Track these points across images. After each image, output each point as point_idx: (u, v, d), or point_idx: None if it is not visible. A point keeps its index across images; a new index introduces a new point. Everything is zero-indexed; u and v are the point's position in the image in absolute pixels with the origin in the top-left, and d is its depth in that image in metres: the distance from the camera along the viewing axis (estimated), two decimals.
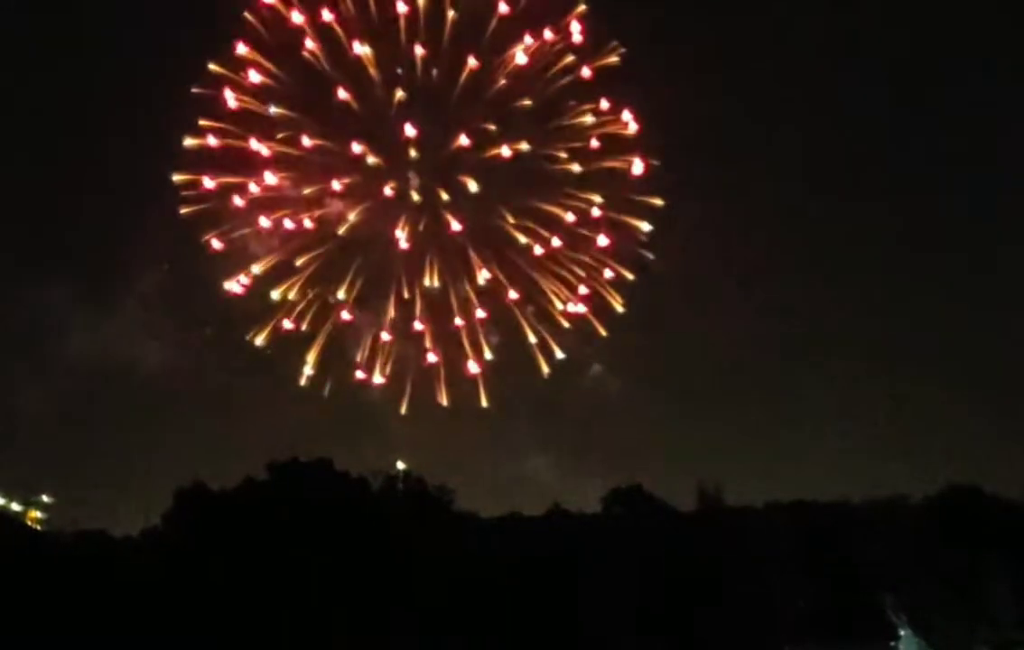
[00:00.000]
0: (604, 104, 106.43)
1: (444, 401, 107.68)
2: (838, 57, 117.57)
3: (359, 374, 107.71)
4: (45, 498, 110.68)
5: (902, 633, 73.92)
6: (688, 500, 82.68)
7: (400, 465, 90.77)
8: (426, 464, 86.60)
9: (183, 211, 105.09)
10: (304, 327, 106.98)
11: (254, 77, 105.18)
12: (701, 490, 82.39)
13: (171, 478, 78.47)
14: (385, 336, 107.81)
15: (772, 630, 70.68)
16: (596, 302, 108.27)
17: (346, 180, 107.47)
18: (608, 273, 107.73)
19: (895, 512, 79.77)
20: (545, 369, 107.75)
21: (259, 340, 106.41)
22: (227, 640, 65.25)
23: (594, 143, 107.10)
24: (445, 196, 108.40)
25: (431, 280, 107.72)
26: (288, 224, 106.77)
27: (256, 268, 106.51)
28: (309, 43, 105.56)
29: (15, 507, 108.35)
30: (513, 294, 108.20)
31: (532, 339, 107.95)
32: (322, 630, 67.25)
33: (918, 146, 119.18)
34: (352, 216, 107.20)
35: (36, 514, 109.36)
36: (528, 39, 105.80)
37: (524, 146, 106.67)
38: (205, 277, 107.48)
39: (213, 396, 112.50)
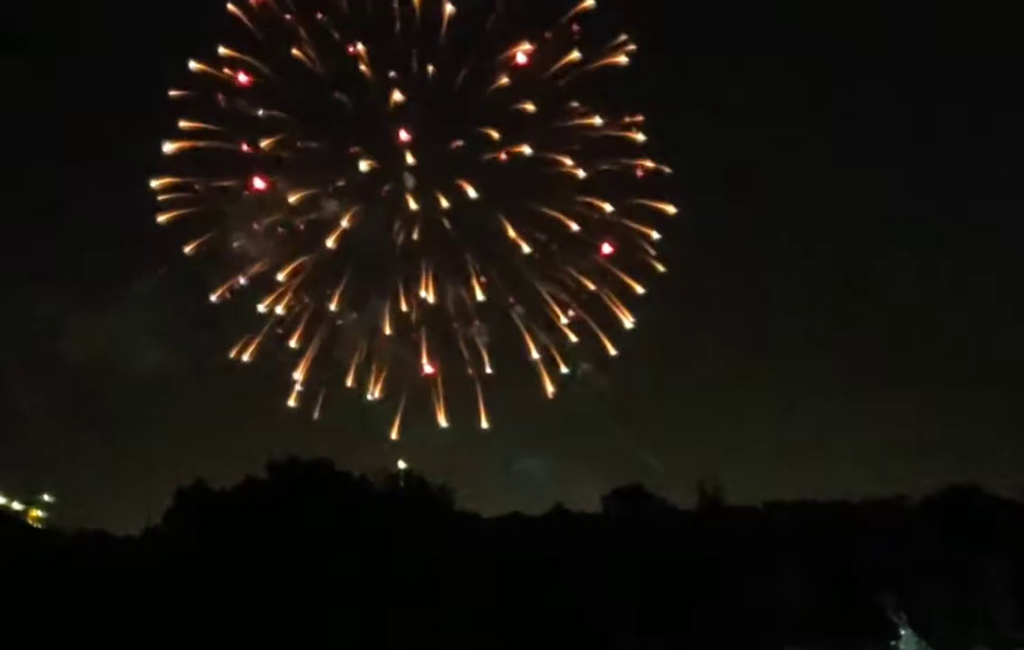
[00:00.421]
0: (610, 106, 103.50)
1: (443, 421, 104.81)
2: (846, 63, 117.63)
3: (351, 384, 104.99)
4: (46, 497, 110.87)
5: (902, 633, 73.85)
6: (688, 500, 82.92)
7: (401, 464, 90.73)
8: (425, 464, 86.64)
9: (160, 219, 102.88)
10: (294, 343, 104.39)
11: (243, 78, 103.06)
12: (701, 490, 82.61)
13: (171, 478, 78.70)
14: (381, 341, 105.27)
15: (772, 630, 70.63)
16: (603, 316, 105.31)
17: (339, 184, 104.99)
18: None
19: (895, 512, 79.82)
20: (550, 388, 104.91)
21: (246, 356, 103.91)
22: (227, 640, 65.23)
23: (600, 147, 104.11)
24: (444, 203, 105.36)
25: (427, 290, 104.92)
26: (279, 230, 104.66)
27: (243, 279, 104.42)
28: (301, 43, 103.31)
29: (16, 506, 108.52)
30: (514, 304, 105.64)
31: (535, 355, 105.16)
32: (323, 630, 67.24)
33: (921, 147, 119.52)
34: (345, 222, 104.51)
35: (37, 513, 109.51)
36: (527, 44, 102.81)
37: (526, 150, 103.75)
38: (200, 281, 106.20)
39: (213, 397, 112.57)
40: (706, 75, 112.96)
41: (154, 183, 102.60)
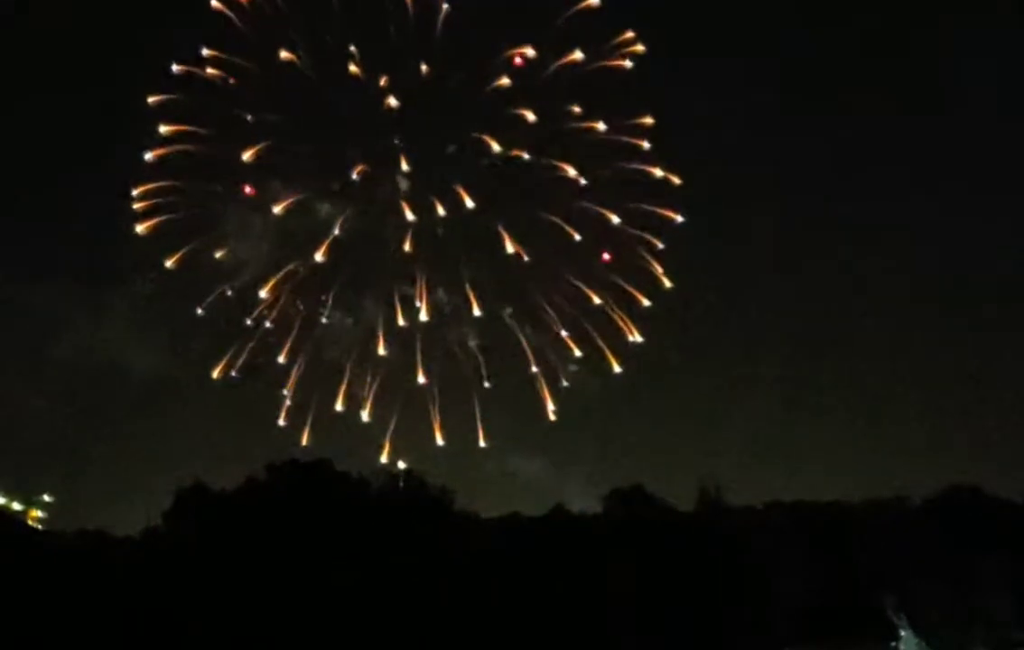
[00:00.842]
0: (614, 110, 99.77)
1: (439, 440, 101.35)
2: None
3: (340, 407, 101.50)
4: (46, 498, 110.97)
5: (902, 633, 73.83)
6: (688, 500, 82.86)
7: (401, 465, 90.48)
8: (423, 465, 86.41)
9: (139, 229, 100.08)
10: (282, 358, 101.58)
11: (231, 81, 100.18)
12: (701, 490, 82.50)
13: (171, 478, 78.71)
14: (374, 359, 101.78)
15: (772, 630, 70.65)
16: (608, 331, 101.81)
17: (332, 189, 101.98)
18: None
19: (895, 512, 79.81)
20: (551, 407, 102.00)
21: (234, 371, 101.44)
22: (227, 640, 65.26)
23: (603, 152, 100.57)
24: (440, 210, 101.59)
25: (421, 301, 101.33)
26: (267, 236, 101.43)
27: (229, 291, 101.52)
28: (291, 44, 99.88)
29: (16, 507, 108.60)
30: (512, 314, 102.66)
31: (534, 368, 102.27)
32: (323, 630, 67.23)
33: (924, 149, 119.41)
34: (337, 230, 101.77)
35: (37, 514, 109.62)
36: (528, 47, 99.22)
37: (524, 155, 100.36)
38: (191, 288, 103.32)
39: (212, 397, 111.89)
40: (710, 78, 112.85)
41: (134, 192, 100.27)
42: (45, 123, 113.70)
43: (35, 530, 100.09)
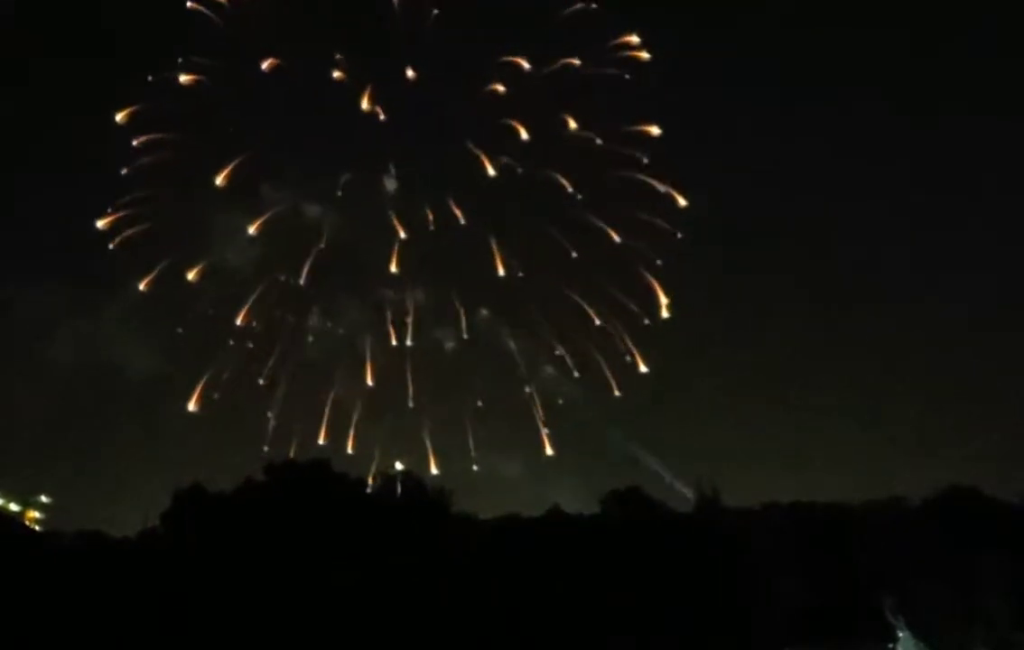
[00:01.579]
0: (614, 118, 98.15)
1: (434, 468, 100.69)
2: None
3: (323, 441, 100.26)
4: (43, 498, 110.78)
5: (900, 635, 73.74)
6: (686, 501, 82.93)
7: (399, 466, 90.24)
8: (422, 467, 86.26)
9: (111, 245, 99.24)
10: (262, 380, 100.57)
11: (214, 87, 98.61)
12: (699, 491, 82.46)
13: (169, 479, 78.53)
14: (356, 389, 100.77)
15: (772, 630, 70.52)
16: (609, 352, 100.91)
17: (320, 198, 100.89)
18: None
19: (895, 512, 79.72)
20: (546, 432, 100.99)
21: (216, 394, 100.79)
22: (226, 640, 65.08)
23: (602, 164, 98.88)
24: (431, 221, 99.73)
25: (409, 321, 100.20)
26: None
27: (211, 310, 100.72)
28: (278, 51, 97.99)
29: (14, 507, 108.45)
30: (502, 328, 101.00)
31: (527, 387, 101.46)
32: (323, 630, 67.07)
33: (924, 149, 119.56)
34: (323, 244, 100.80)
35: (34, 514, 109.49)
36: (526, 64, 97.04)
37: (519, 168, 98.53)
38: (185, 296, 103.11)
39: (207, 402, 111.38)
40: (710, 78, 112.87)
41: (109, 208, 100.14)
42: (46, 123, 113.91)
43: (32, 531, 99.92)
